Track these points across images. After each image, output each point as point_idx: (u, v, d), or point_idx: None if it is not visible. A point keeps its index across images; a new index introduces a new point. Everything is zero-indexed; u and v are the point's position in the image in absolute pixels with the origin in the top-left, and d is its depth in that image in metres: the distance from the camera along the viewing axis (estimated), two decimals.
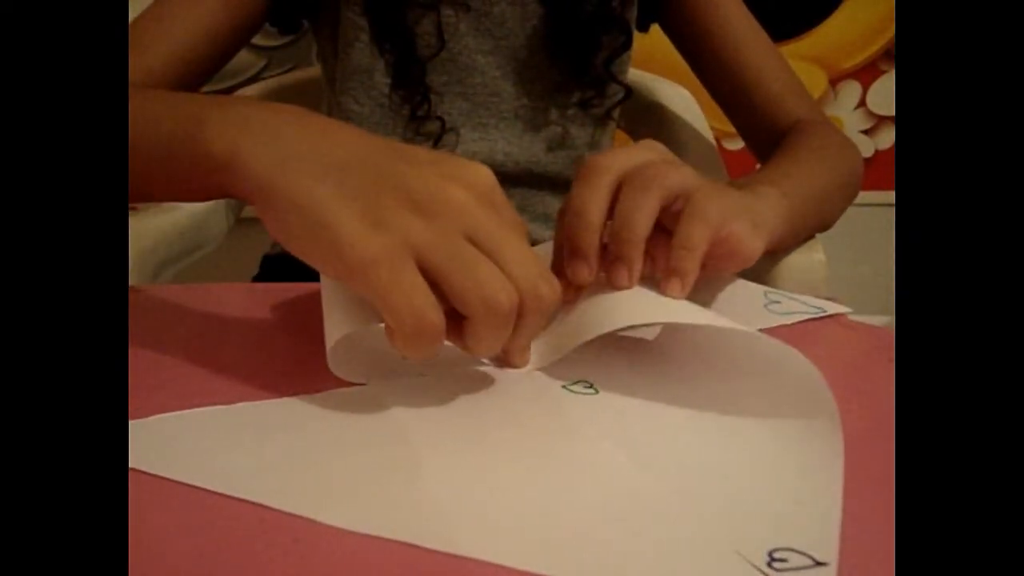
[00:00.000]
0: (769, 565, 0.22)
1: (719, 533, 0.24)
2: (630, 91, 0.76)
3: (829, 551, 0.22)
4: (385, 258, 0.31)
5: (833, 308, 0.47)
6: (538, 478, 0.27)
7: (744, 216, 0.45)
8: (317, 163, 0.35)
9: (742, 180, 0.55)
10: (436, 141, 0.73)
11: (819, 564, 0.22)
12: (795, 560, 0.22)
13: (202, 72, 0.68)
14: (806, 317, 0.46)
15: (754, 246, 0.46)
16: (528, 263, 0.33)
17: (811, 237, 0.61)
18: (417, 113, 0.72)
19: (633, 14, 0.76)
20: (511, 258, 0.32)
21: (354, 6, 0.71)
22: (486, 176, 0.34)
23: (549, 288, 0.33)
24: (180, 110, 0.40)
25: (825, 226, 0.64)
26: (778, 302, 0.47)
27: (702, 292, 0.34)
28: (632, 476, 0.27)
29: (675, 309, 0.37)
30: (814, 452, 0.28)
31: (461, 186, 0.33)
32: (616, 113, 0.79)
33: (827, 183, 0.64)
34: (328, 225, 0.32)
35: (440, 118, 0.72)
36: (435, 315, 0.31)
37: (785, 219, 0.50)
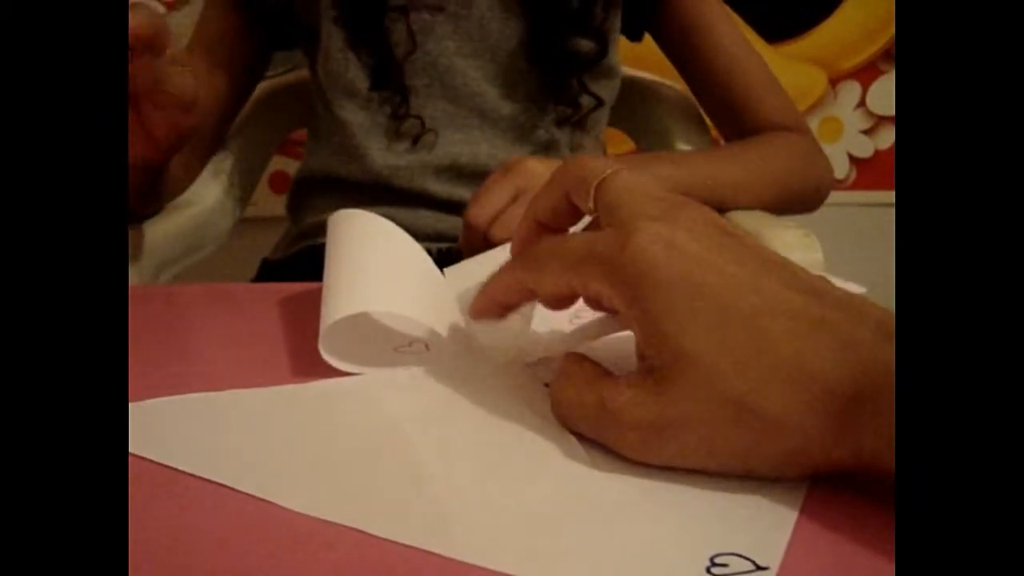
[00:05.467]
0: (708, 571, 0.22)
1: (671, 535, 0.24)
2: (601, 102, 0.77)
3: (773, 556, 0.22)
4: None
5: (851, 287, 0.47)
6: (501, 473, 0.27)
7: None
8: None
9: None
10: (415, 141, 0.73)
11: (759, 568, 0.22)
12: (735, 564, 0.22)
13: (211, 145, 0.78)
14: None
15: (528, 165, 0.52)
16: None
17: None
18: (398, 113, 0.72)
19: (615, 24, 0.76)
20: None
21: (328, 11, 0.72)
22: None
23: None
24: None
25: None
26: None
27: None
28: (593, 477, 0.27)
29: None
30: None
31: None
32: (603, 117, 0.80)
33: (735, 174, 0.68)
34: None
35: (419, 117, 0.73)
36: None
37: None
